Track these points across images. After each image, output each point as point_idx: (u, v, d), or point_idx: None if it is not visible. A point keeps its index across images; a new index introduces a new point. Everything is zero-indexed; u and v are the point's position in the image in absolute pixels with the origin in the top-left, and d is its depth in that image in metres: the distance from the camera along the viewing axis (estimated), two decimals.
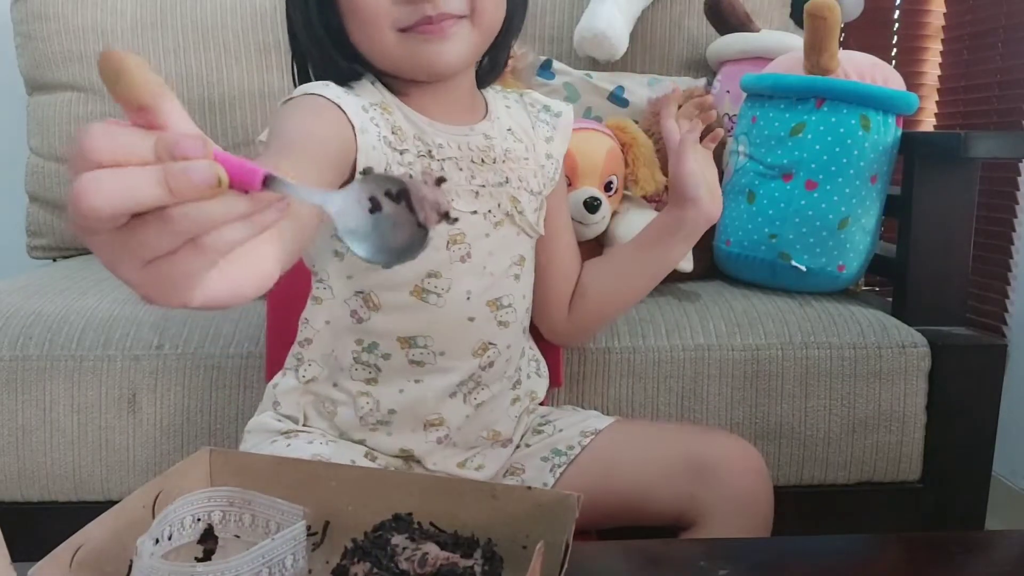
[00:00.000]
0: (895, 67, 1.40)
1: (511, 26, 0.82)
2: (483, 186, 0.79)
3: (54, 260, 1.62)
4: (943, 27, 1.90)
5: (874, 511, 1.14)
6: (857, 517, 1.13)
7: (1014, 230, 1.65)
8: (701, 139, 0.88)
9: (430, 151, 0.77)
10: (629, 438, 0.89)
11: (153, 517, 0.48)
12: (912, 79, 1.87)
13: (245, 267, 0.39)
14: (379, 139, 0.74)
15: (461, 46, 0.74)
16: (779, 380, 1.09)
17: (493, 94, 0.88)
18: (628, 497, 0.85)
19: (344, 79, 0.78)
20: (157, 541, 0.47)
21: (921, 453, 1.12)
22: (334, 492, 0.51)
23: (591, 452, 0.87)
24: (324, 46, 0.77)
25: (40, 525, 1.06)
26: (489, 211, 0.80)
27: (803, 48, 1.19)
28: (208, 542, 0.50)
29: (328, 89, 0.73)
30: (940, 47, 1.91)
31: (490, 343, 0.82)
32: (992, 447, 1.13)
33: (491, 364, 0.83)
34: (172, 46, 1.55)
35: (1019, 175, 1.65)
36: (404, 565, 0.47)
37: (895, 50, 1.95)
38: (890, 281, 1.27)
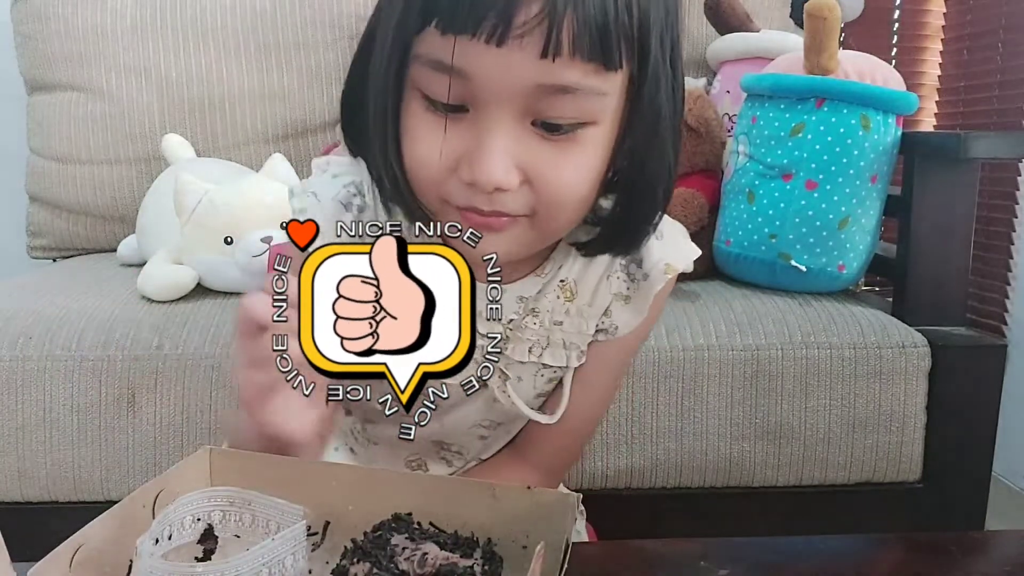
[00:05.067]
0: (895, 67, 1.40)
1: (634, 209, 0.62)
2: (475, 360, 0.65)
3: (54, 260, 1.62)
4: (943, 27, 1.90)
5: (874, 511, 1.14)
6: (857, 517, 1.13)
7: (1014, 230, 1.66)
8: None
9: None
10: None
11: (153, 517, 0.48)
12: (912, 79, 1.87)
13: (296, 417, 0.54)
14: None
15: (511, 245, 0.59)
16: (779, 380, 1.09)
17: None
18: None
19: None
20: (157, 541, 0.47)
21: (921, 453, 1.12)
22: (334, 492, 0.51)
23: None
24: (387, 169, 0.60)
25: (40, 525, 1.06)
26: (466, 379, 0.67)
27: (803, 48, 1.19)
28: (208, 542, 0.50)
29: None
30: (940, 47, 1.91)
31: (421, 458, 0.76)
32: (992, 447, 1.13)
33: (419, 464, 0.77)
34: (172, 46, 1.55)
35: (1019, 175, 1.65)
36: (404, 565, 0.47)
37: (895, 50, 1.95)
38: (890, 281, 1.27)
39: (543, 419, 0.70)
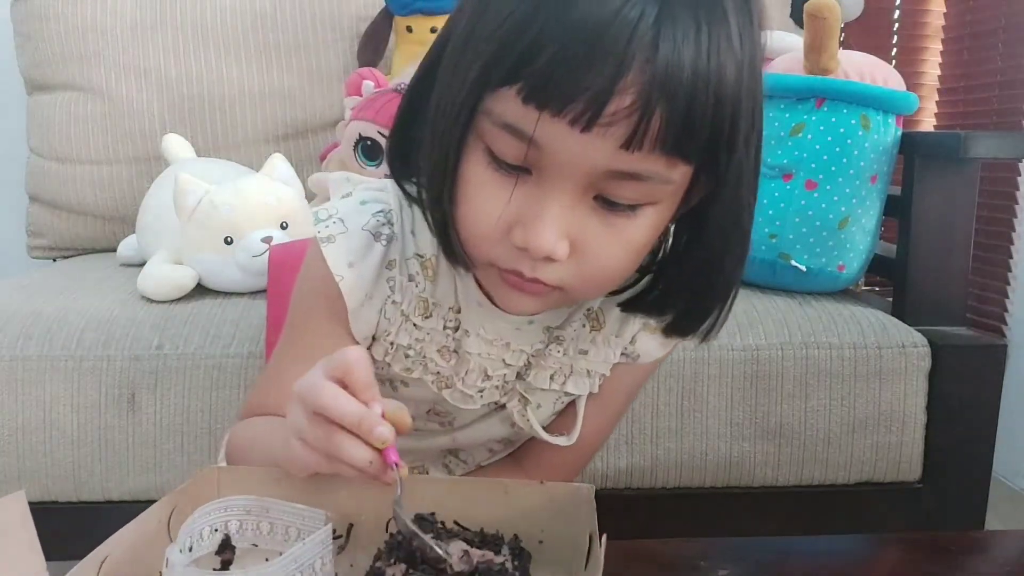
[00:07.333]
0: (895, 67, 1.41)
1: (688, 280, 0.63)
2: (496, 387, 0.68)
3: (54, 260, 1.62)
4: (943, 27, 1.90)
5: (874, 511, 1.14)
6: (857, 517, 1.13)
7: (1014, 230, 1.65)
8: None
9: (457, 327, 0.66)
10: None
11: (168, 532, 0.48)
12: (912, 79, 1.87)
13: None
14: (387, 303, 0.64)
15: (542, 305, 0.60)
16: (779, 380, 1.09)
17: None
18: None
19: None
20: (180, 552, 0.46)
21: (921, 453, 1.12)
22: (348, 496, 0.51)
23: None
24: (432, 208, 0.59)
25: (40, 525, 1.06)
26: (486, 403, 0.69)
27: (803, 48, 1.19)
28: (225, 553, 0.49)
29: (340, 257, 0.62)
30: (940, 47, 1.91)
31: (424, 464, 0.76)
32: (992, 447, 1.13)
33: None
34: (172, 46, 1.55)
35: (1019, 175, 1.65)
36: (441, 558, 0.46)
37: (895, 50, 1.95)
38: (890, 281, 1.27)
39: (561, 441, 0.69)
